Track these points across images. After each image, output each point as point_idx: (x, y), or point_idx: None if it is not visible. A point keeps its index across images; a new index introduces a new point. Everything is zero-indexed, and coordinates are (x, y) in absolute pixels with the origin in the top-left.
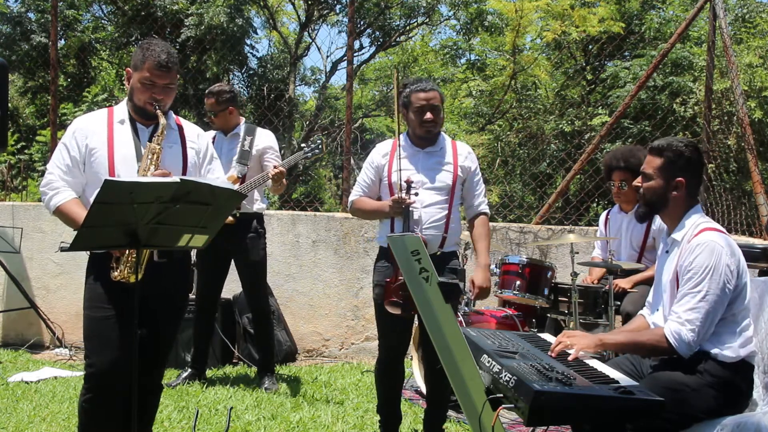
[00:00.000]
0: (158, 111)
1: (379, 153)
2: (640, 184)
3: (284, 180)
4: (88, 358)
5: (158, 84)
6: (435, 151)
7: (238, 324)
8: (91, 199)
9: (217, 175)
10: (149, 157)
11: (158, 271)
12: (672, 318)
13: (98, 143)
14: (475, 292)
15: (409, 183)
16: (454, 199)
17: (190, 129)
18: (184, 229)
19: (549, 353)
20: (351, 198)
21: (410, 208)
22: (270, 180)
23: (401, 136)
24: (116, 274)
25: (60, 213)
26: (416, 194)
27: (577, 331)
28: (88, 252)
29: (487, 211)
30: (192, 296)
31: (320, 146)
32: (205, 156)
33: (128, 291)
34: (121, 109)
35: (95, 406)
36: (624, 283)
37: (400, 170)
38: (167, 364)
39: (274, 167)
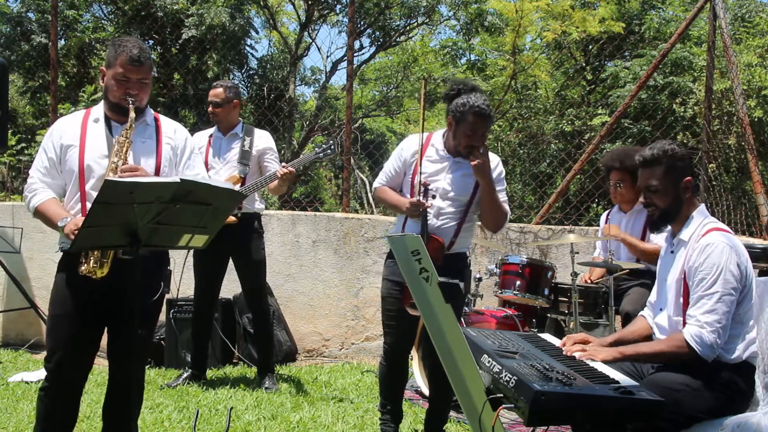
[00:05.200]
0: (130, 106)
1: (410, 149)
2: (647, 201)
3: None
4: (47, 354)
5: (132, 79)
6: (464, 163)
7: (238, 324)
8: (71, 195)
9: (197, 171)
10: (116, 150)
11: (125, 268)
12: (690, 322)
13: (71, 141)
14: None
15: (426, 186)
16: (468, 212)
17: (168, 125)
18: (184, 228)
19: (564, 352)
20: (375, 184)
21: (427, 212)
22: (277, 180)
23: (436, 133)
24: (83, 268)
25: (38, 213)
26: (434, 197)
27: (581, 334)
28: (60, 253)
29: (508, 210)
30: (188, 296)
31: (333, 147)
32: (183, 152)
33: (92, 289)
34: (98, 109)
35: (52, 399)
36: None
37: (420, 173)
38: (170, 364)
39: (283, 166)
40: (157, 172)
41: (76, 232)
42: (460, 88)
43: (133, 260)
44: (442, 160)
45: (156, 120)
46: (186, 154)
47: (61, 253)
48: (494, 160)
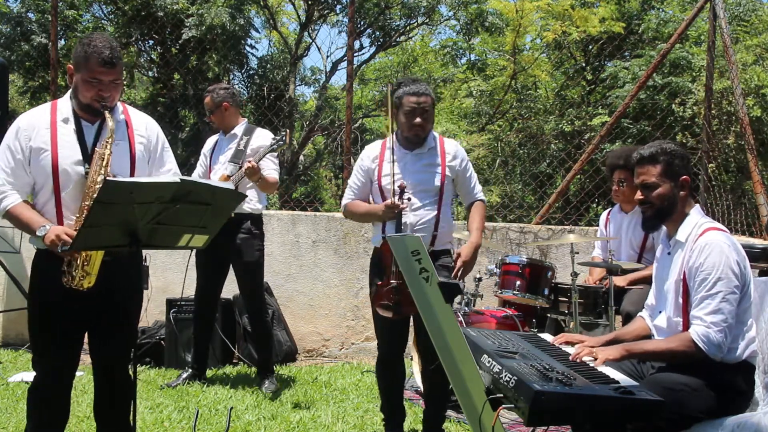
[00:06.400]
0: (106, 112)
1: (369, 156)
2: (642, 197)
3: (271, 178)
4: (33, 355)
5: (104, 81)
6: (423, 153)
7: (238, 324)
8: (43, 199)
9: (169, 167)
10: (98, 162)
11: (107, 269)
12: (696, 323)
13: (42, 143)
14: (458, 265)
15: (402, 188)
16: (443, 200)
17: (138, 120)
18: (184, 229)
19: (571, 359)
20: (344, 201)
21: (402, 213)
22: (245, 176)
23: (389, 137)
24: (65, 280)
25: (10, 216)
26: (408, 199)
27: (580, 335)
28: (35, 249)
29: (483, 198)
30: (188, 296)
31: (284, 138)
32: (155, 147)
33: (72, 291)
34: (65, 106)
35: (43, 400)
36: (619, 281)
37: (393, 174)
38: (170, 364)
39: (248, 161)
40: (131, 173)
41: (59, 242)
42: (401, 83)
43: (131, 261)
44: (403, 156)
45: (125, 116)
46: (158, 150)
47: (34, 252)
48: (452, 147)
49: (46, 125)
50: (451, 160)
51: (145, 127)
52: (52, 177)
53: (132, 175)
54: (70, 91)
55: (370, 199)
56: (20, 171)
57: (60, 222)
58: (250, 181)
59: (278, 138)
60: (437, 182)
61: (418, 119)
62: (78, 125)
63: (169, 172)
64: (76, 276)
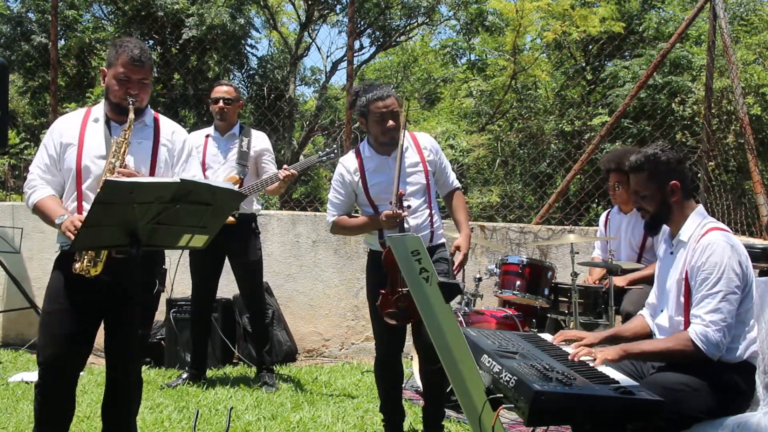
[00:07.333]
0: (130, 106)
1: (348, 170)
2: (637, 206)
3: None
4: (38, 350)
5: (133, 79)
6: (401, 157)
7: (238, 324)
8: (68, 195)
9: (193, 173)
10: (113, 150)
11: (121, 267)
12: (695, 322)
13: (70, 140)
14: (460, 258)
15: (401, 196)
16: (431, 195)
17: (167, 126)
18: (184, 229)
19: (570, 357)
20: (329, 219)
21: (404, 220)
22: (278, 182)
23: (360, 146)
24: (77, 266)
25: (37, 210)
26: (409, 206)
27: (578, 331)
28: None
29: (459, 185)
30: (188, 296)
31: (335, 150)
32: (180, 154)
33: (87, 287)
34: (98, 109)
35: (45, 396)
36: (619, 281)
37: (397, 180)
38: (170, 364)
39: (285, 169)
40: (152, 174)
41: (73, 229)
42: (357, 92)
43: (134, 260)
44: (381, 165)
45: (156, 121)
46: (183, 156)
47: (59, 252)
48: (425, 141)
49: (78, 124)
50: (429, 154)
51: (172, 133)
52: (75, 170)
53: (152, 175)
54: (104, 98)
55: (357, 210)
56: (53, 168)
57: (80, 214)
58: (284, 186)
59: (330, 150)
60: (423, 180)
61: (390, 122)
62: (108, 125)
63: (194, 178)
64: (84, 261)
